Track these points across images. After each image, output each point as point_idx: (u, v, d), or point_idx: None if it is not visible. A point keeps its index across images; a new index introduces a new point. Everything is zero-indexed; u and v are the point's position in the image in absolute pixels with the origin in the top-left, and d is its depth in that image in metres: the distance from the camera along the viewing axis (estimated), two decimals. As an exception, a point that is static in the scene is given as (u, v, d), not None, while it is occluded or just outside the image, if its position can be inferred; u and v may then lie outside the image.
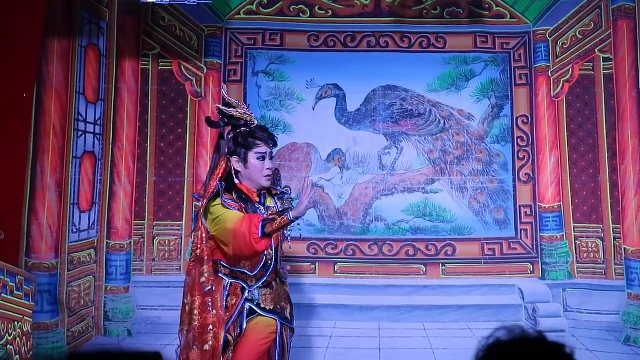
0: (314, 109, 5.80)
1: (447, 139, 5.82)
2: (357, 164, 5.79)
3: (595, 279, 5.48)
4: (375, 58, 5.84)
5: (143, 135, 5.63)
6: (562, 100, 5.73)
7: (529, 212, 5.69)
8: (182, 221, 5.58)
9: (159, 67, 5.72)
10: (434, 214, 5.72)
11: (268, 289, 3.89)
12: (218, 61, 5.80)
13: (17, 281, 4.08)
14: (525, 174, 5.73)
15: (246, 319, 3.81)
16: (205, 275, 3.81)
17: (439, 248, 5.64)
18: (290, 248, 4.08)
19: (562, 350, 1.62)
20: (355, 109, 5.82)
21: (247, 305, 3.83)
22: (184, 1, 4.97)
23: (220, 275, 3.84)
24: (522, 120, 5.79)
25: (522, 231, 5.69)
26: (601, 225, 5.56)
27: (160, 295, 5.38)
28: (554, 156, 5.68)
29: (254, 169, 3.86)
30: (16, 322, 4.03)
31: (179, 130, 5.70)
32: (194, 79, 5.75)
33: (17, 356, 3.99)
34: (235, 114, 3.90)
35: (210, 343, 3.72)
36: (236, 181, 3.88)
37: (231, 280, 3.84)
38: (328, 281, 5.58)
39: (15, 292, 4.08)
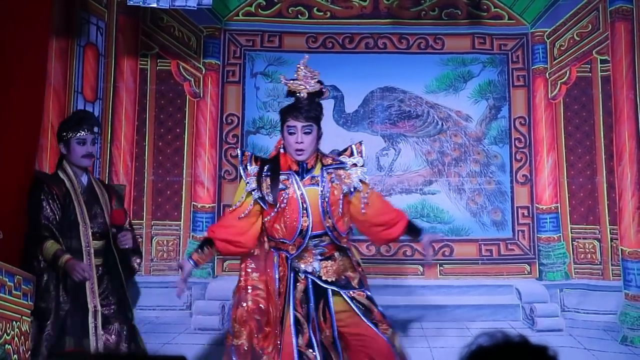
0: (312, 110, 5.79)
1: (445, 141, 5.82)
2: (355, 165, 5.77)
3: (593, 280, 5.49)
4: (373, 59, 5.85)
5: (141, 134, 5.62)
6: (560, 102, 5.75)
7: (526, 213, 5.70)
8: (180, 221, 5.57)
9: (158, 67, 5.72)
10: (431, 215, 5.72)
11: (329, 261, 3.93)
12: (216, 62, 5.80)
13: (16, 281, 4.05)
14: (523, 175, 5.74)
15: (314, 297, 3.86)
16: None
17: (436, 249, 5.62)
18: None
19: (546, 353, 1.60)
20: (353, 111, 5.82)
21: (310, 278, 3.89)
22: (184, 5, 4.98)
23: (271, 249, 3.94)
24: (520, 122, 5.80)
25: (520, 232, 5.69)
26: (598, 227, 5.57)
27: (158, 296, 5.35)
28: (551, 158, 5.69)
29: (286, 142, 3.96)
30: (14, 322, 4.00)
31: (177, 130, 5.70)
32: (192, 80, 5.75)
33: (15, 356, 3.96)
34: (290, 86, 3.94)
35: (250, 303, 3.85)
36: (281, 151, 3.97)
37: (277, 252, 3.91)
38: (326, 281, 5.57)
39: (14, 291, 4.05)
